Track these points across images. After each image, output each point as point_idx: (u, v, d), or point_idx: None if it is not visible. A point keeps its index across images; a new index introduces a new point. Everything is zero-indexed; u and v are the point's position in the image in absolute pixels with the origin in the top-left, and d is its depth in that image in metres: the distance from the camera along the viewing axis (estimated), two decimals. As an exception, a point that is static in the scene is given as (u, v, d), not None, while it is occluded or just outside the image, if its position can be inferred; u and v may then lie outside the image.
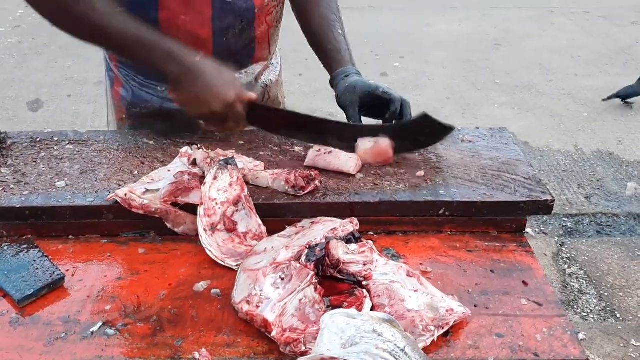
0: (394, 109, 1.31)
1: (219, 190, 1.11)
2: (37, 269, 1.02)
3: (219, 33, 1.36)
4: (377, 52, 5.32)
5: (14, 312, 0.96)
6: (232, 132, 1.40)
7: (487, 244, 1.14)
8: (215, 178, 1.11)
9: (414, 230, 1.17)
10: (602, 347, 2.32)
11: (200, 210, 1.08)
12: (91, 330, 0.93)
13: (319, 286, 0.95)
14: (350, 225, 1.06)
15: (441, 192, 1.18)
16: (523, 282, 1.03)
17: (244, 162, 1.25)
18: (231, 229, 1.10)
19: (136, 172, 1.24)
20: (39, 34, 5.65)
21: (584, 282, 2.71)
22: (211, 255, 1.06)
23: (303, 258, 0.97)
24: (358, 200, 1.15)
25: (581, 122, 4.21)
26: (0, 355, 0.88)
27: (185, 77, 1.21)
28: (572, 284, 2.71)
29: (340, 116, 1.39)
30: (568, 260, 2.85)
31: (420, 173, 1.24)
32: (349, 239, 1.04)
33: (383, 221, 1.16)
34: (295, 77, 4.62)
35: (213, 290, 1.00)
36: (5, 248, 1.07)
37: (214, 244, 1.07)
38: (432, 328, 0.89)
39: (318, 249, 0.98)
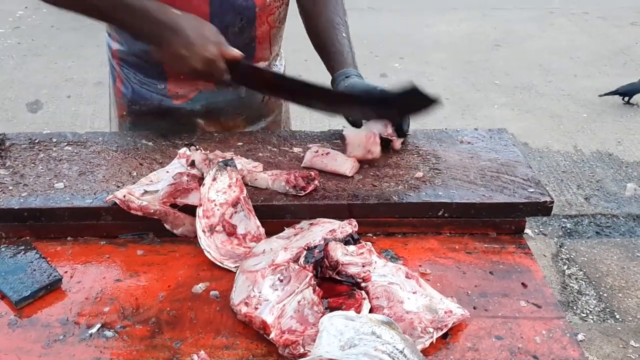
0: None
1: (218, 191, 1.11)
2: (35, 270, 1.02)
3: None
4: (376, 53, 5.32)
5: (12, 313, 0.96)
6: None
7: (486, 245, 1.14)
8: (214, 179, 1.11)
9: (412, 231, 1.17)
10: (601, 348, 2.32)
11: (199, 211, 1.08)
12: (89, 332, 0.92)
13: (317, 288, 0.95)
14: (348, 226, 1.06)
15: (440, 193, 1.17)
16: (522, 283, 1.03)
17: (243, 163, 1.25)
18: (231, 232, 1.09)
19: (135, 174, 1.24)
20: (38, 35, 5.67)
21: (583, 282, 2.72)
22: (210, 257, 1.06)
23: (302, 259, 0.97)
24: (356, 202, 1.15)
25: (580, 123, 4.21)
26: (-2, 357, 0.88)
27: (165, 33, 1.20)
28: (571, 284, 2.71)
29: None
30: (567, 261, 2.85)
31: (419, 174, 1.24)
32: (348, 241, 1.04)
33: (382, 222, 1.16)
34: (295, 78, 4.63)
35: (212, 292, 1.00)
36: (3, 249, 1.07)
37: (212, 246, 1.07)
38: (431, 330, 0.89)
39: (317, 250, 0.98)
